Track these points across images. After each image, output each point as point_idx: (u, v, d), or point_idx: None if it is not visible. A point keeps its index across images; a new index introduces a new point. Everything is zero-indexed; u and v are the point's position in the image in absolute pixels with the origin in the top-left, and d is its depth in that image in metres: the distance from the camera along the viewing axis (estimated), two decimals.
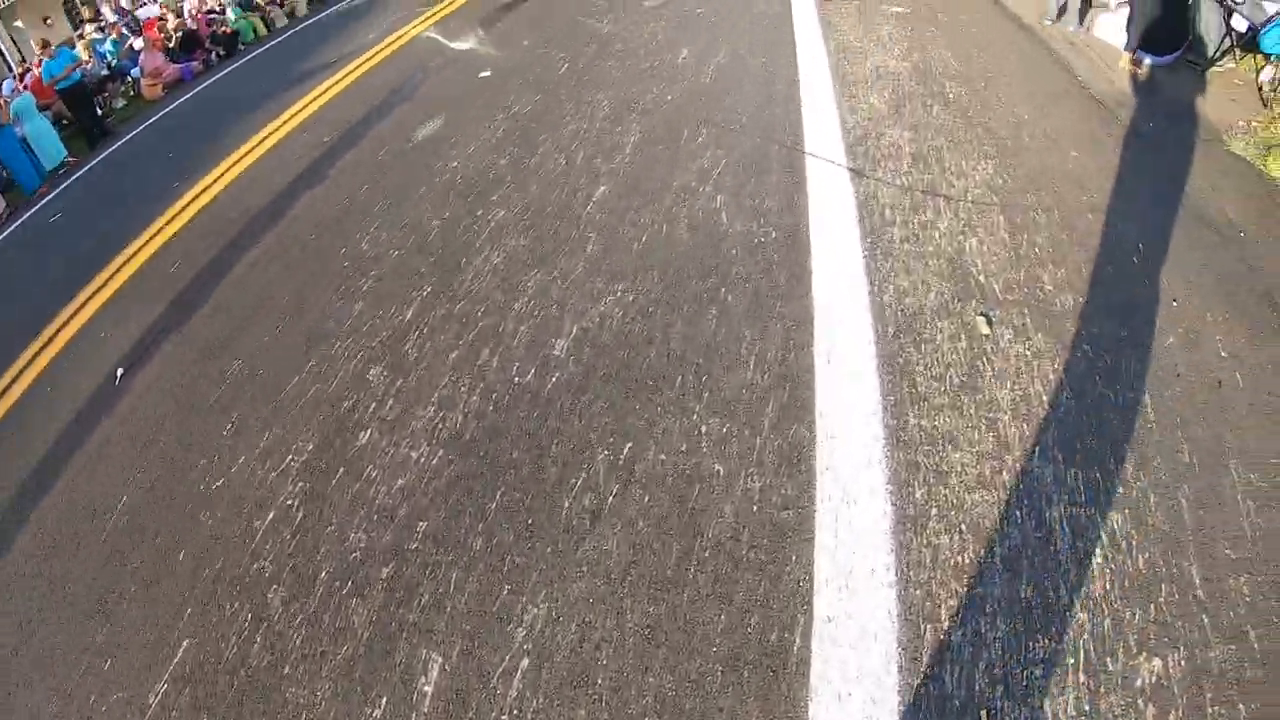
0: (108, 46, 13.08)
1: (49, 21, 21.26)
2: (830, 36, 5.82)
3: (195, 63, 12.13)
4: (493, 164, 4.88)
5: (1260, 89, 4.84)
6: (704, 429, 2.78)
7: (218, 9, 13.93)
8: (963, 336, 2.92)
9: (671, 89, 5.31)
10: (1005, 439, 2.57)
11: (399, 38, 8.79)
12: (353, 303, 4.15)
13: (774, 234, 3.55)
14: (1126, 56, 5.19)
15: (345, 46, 9.41)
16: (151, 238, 5.93)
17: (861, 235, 3.45)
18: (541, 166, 4.68)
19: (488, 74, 6.64)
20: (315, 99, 7.60)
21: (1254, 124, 4.43)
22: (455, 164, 5.05)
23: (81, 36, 14.23)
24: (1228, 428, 2.52)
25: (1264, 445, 2.44)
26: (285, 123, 7.24)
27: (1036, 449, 2.53)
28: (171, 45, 12.34)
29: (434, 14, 9.22)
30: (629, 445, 2.83)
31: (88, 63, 11.97)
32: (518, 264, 3.87)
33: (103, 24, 15.43)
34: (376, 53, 8.54)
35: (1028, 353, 2.86)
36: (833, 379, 2.82)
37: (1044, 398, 2.69)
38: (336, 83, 7.92)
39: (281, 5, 14.66)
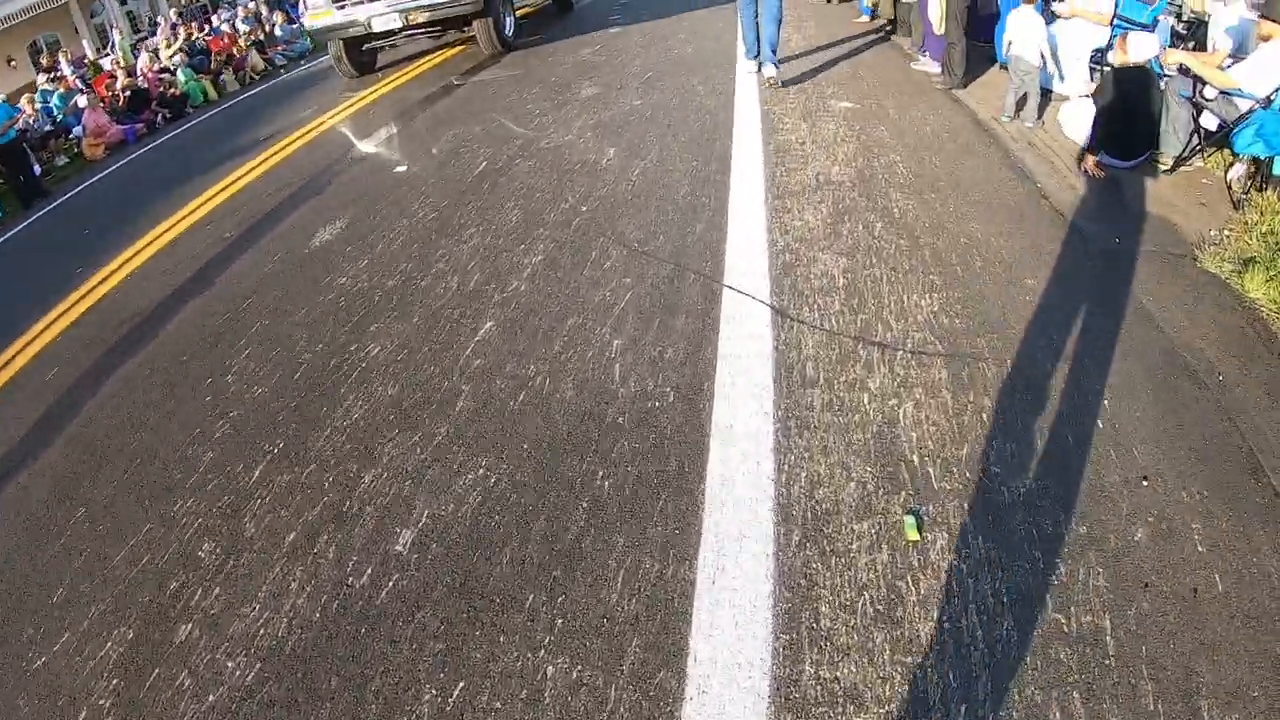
0: (55, 101, 12.85)
1: (12, 64, 21.22)
2: (771, 136, 5.50)
3: (140, 125, 11.96)
4: (381, 284, 4.44)
5: (1229, 187, 4.58)
6: (550, 671, 2.26)
7: (170, 68, 13.84)
8: (884, 546, 2.42)
9: (589, 198, 4.92)
10: (924, 694, 2.07)
11: (327, 120, 8.50)
12: (204, 450, 3.65)
13: (671, 397, 3.07)
14: (1089, 159, 4.89)
15: (280, 122, 9.26)
16: (41, 332, 5.47)
17: (775, 400, 2.98)
18: (431, 290, 4.24)
19: (404, 169, 6.28)
20: (234, 181, 7.29)
21: (1226, 233, 4.12)
22: (344, 280, 4.60)
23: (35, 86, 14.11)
24: (1202, 654, 2.07)
25: (1243, 673, 2.00)
26: (198, 208, 6.91)
27: (964, 708, 2.01)
28: (119, 105, 12.19)
29: (361, 99, 8.97)
30: (461, 685, 2.30)
31: (31, 115, 11.80)
32: (379, 421, 3.37)
33: (56, 75, 15.24)
34: (305, 133, 8.26)
35: (963, 565, 2.37)
36: (716, 607, 2.31)
37: (979, 632, 2.19)
38: (259, 164, 7.63)
39: (238, 71, 14.59)
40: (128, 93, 12.73)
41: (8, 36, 21.13)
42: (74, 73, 15.52)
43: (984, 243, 4.02)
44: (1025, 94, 5.77)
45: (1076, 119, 5.32)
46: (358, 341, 3.96)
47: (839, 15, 9.58)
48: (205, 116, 12.11)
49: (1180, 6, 6.52)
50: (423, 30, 9.31)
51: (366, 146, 7.29)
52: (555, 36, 10.63)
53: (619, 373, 3.27)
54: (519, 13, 10.63)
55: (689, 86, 7.06)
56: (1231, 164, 4.79)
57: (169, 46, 15.09)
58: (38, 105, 12.73)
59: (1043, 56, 5.71)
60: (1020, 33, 5.69)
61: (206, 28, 17.16)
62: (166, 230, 6.57)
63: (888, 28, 8.41)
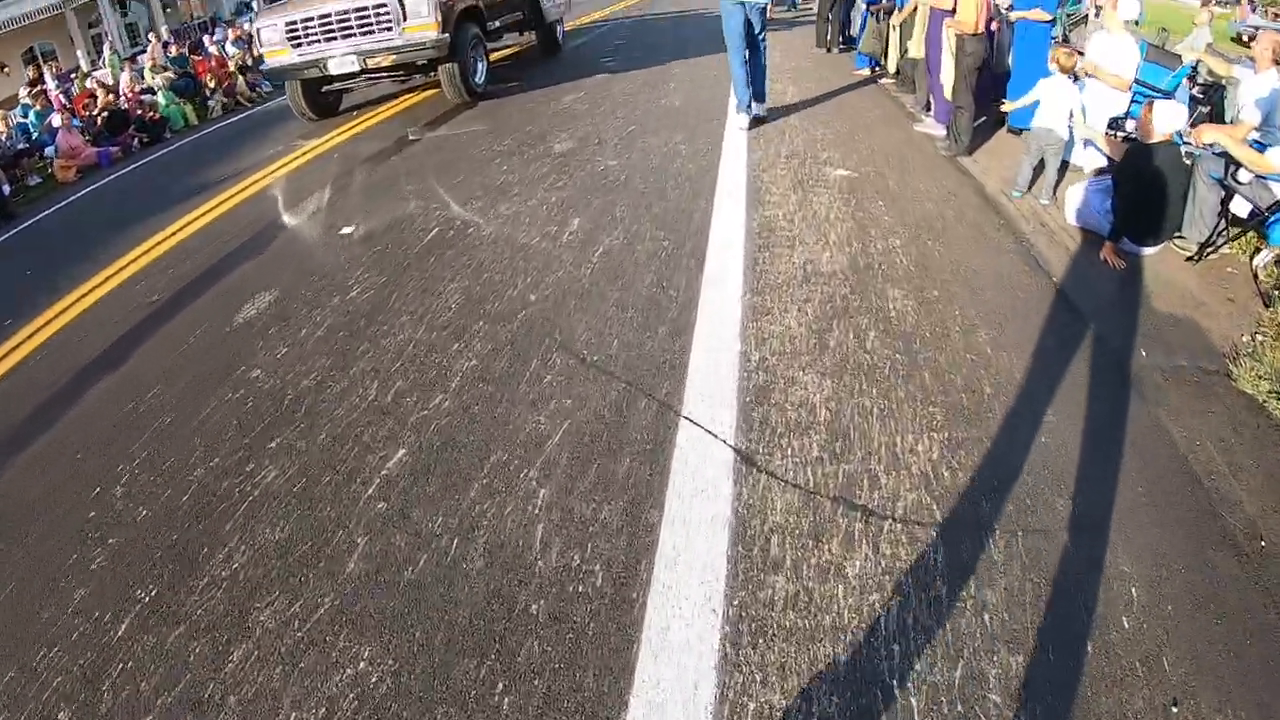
0: (31, 118, 12.42)
1: (6, 71, 20.95)
2: (756, 210, 4.99)
3: (115, 148, 11.57)
4: (295, 382, 3.91)
5: (1255, 277, 4.18)
6: None
7: (153, 88, 13.47)
8: None
9: (539, 285, 4.39)
10: None
11: (281, 166, 8.03)
12: (78, 585, 3.14)
13: (600, 578, 2.52)
14: (1108, 247, 4.41)
15: (246, 159, 8.90)
16: None
17: (726, 591, 2.42)
18: (346, 397, 3.70)
19: (349, 230, 5.76)
20: (179, 229, 6.81)
21: (1259, 339, 3.70)
22: (257, 373, 4.07)
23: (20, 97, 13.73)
24: None
25: None
26: (138, 258, 6.41)
27: None
28: (96, 126, 11.78)
29: (314, 148, 8.50)
30: None
31: (3, 132, 11.42)
32: (259, 576, 2.83)
33: (39, 89, 14.83)
34: (261, 178, 7.80)
35: None
36: None
37: None
38: (208, 210, 7.17)
39: (227, 97, 14.23)
40: (105, 114, 12.33)
41: (2, 43, 20.88)
42: (58, 87, 15.11)
43: (993, 360, 3.50)
44: (1040, 163, 5.29)
45: (1090, 203, 4.84)
46: (255, 460, 3.42)
47: (838, 66, 9.14)
48: (178, 145, 11.71)
49: (1196, 68, 6.11)
50: (385, 74, 8.81)
51: (313, 203, 6.78)
52: (537, 81, 10.14)
53: (540, 537, 2.71)
54: (498, 54, 10.14)
55: (672, 145, 6.57)
56: (1258, 249, 4.37)
57: (154, 66, 14.69)
58: (14, 121, 12.30)
59: (1071, 129, 5.22)
60: (1051, 101, 5.19)
61: (198, 52, 16.75)
62: (102, 283, 6.10)
63: (880, 76, 8.00)
